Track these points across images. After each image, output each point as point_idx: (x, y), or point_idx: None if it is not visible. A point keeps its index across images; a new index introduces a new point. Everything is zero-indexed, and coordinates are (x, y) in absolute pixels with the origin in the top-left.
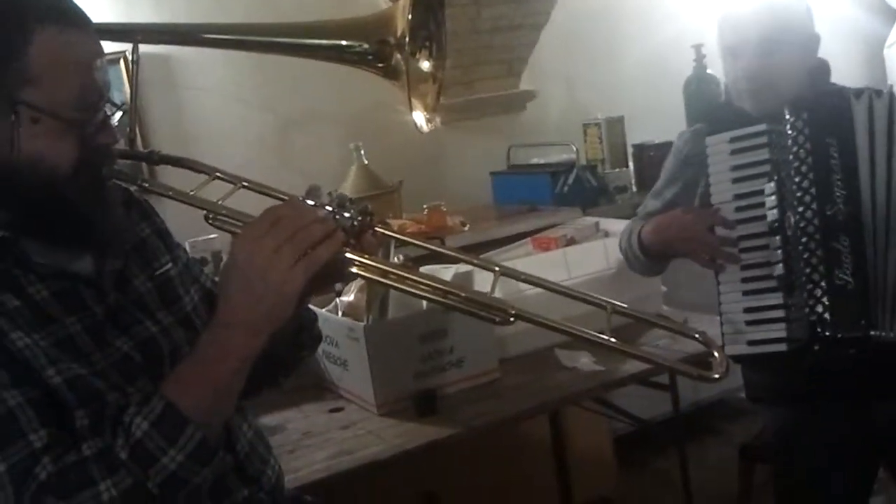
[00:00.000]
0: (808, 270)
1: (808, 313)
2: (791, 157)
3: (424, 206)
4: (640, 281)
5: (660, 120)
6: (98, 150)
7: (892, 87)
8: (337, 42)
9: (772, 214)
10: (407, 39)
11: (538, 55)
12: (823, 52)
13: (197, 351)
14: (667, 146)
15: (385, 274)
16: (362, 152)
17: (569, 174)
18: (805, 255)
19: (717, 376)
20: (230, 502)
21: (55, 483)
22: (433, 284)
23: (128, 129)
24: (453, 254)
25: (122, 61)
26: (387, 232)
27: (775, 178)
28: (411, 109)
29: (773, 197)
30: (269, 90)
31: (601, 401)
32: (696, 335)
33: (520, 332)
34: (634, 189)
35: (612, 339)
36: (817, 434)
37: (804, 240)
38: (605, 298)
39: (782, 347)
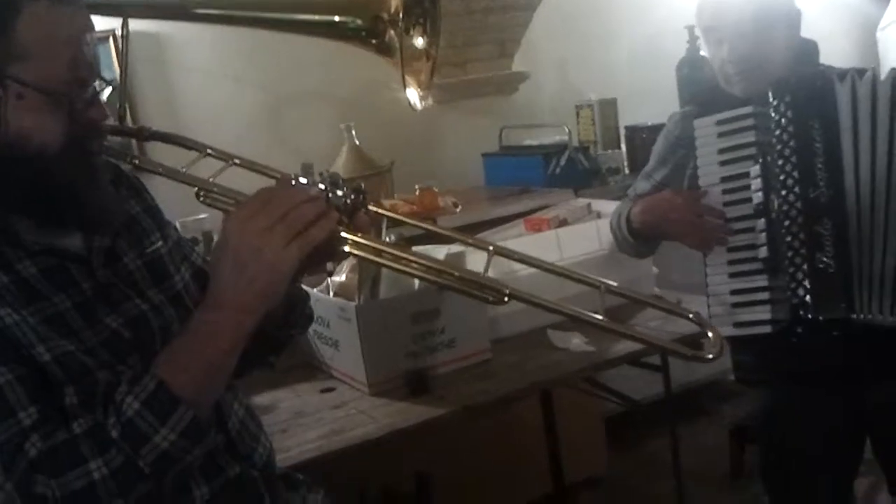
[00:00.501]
0: (790, 253)
1: (790, 296)
2: (775, 140)
3: (416, 187)
4: (632, 262)
5: (652, 102)
6: (87, 125)
7: (874, 68)
8: (329, 17)
9: (757, 197)
10: (401, 15)
11: (531, 36)
12: (816, 34)
13: (189, 330)
14: (659, 128)
15: (379, 253)
16: (353, 132)
17: (561, 156)
18: (788, 239)
19: (710, 356)
20: (221, 480)
21: (45, 460)
22: (427, 264)
23: (118, 106)
24: (447, 233)
25: (111, 39)
26: (380, 210)
27: (760, 161)
28: (405, 87)
29: (759, 180)
30: (259, 69)
31: (593, 381)
32: (690, 315)
33: (512, 313)
34: (627, 171)
35: (605, 320)
36: (803, 415)
37: (787, 223)
38: (598, 278)
39: (767, 329)
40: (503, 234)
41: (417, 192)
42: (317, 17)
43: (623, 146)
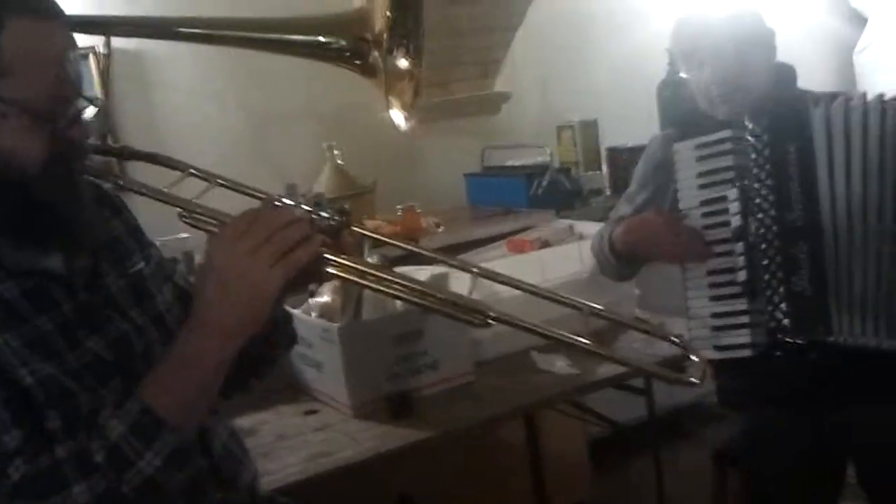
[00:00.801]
0: (767, 276)
1: (768, 319)
2: (752, 163)
3: (398, 207)
4: (615, 284)
5: (634, 123)
6: (70, 144)
7: (845, 93)
8: (314, 38)
9: (735, 220)
10: (385, 36)
11: (513, 57)
12: (794, 57)
13: (173, 353)
14: (641, 149)
15: (363, 275)
16: (336, 152)
17: (543, 177)
18: (765, 262)
19: (695, 381)
20: None
21: (28, 484)
22: (411, 286)
23: (99, 125)
24: (430, 254)
25: (91, 56)
26: (363, 231)
27: (738, 184)
28: (389, 107)
29: (737, 203)
30: (242, 88)
31: (576, 404)
32: (674, 338)
33: (495, 335)
34: (608, 192)
35: (590, 343)
36: (785, 439)
37: (764, 246)
38: (581, 301)
39: (747, 353)
40: (486, 254)
41: (400, 213)
42: (301, 38)
43: (604, 167)
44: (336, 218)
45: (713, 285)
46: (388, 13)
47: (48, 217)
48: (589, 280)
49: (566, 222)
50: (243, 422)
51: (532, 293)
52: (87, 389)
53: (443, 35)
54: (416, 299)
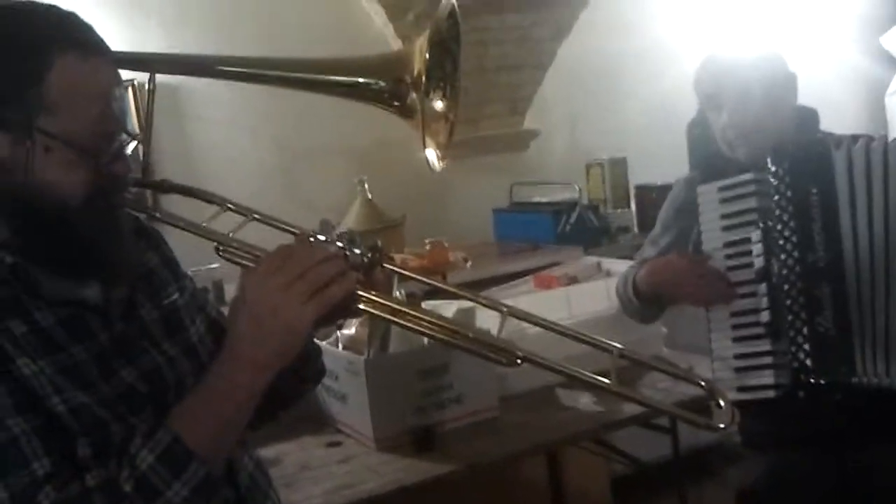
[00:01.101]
0: (790, 317)
1: (791, 360)
2: (774, 205)
3: (426, 242)
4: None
5: (663, 162)
6: (112, 179)
7: (867, 136)
8: (353, 79)
9: (758, 262)
10: (423, 79)
11: (542, 94)
12: (825, 99)
13: (204, 385)
14: (669, 188)
15: (394, 312)
16: (366, 186)
17: (571, 213)
18: (788, 302)
19: (722, 426)
20: None
21: None
22: (441, 324)
23: (141, 158)
24: (460, 292)
25: (129, 90)
26: (395, 268)
27: (761, 226)
28: (424, 147)
29: (760, 245)
30: (275, 122)
31: (600, 441)
32: (702, 382)
33: (520, 371)
34: (636, 230)
35: (615, 384)
36: (809, 480)
37: (786, 287)
38: (611, 343)
39: (771, 394)
40: (512, 290)
41: (428, 247)
42: (341, 79)
43: (633, 205)
44: (369, 255)
45: (736, 326)
46: (426, 56)
47: (87, 249)
48: (616, 317)
49: (594, 259)
50: (267, 452)
51: (562, 333)
52: (119, 419)
53: (473, 73)
54: (446, 338)
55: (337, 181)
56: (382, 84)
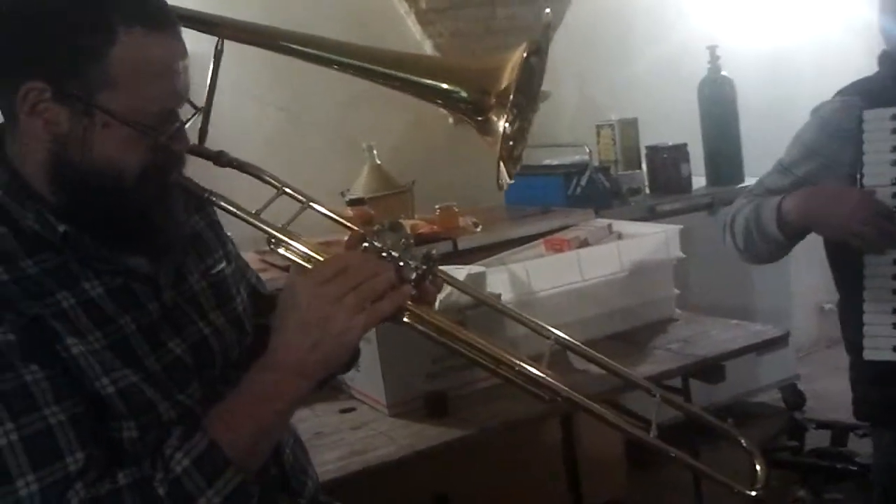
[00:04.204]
0: None
1: None
2: None
3: (436, 207)
4: (654, 284)
5: (673, 122)
6: (170, 155)
7: None
8: (437, 84)
9: None
10: (510, 97)
11: (551, 56)
12: (836, 52)
13: (246, 388)
14: (681, 148)
15: (440, 331)
16: (375, 152)
17: (581, 176)
18: None
19: (754, 493)
20: None
21: None
22: (488, 351)
23: (199, 128)
24: (508, 310)
25: None
26: (446, 279)
27: None
28: (499, 165)
29: None
30: (283, 88)
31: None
32: (743, 442)
33: (531, 334)
34: (647, 191)
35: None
36: None
37: None
38: (651, 385)
39: None
40: (524, 254)
41: (438, 212)
42: (424, 81)
43: (644, 166)
44: (423, 268)
45: None
46: (516, 75)
47: (137, 224)
48: (627, 279)
49: (605, 221)
50: None
51: (610, 370)
52: (167, 398)
53: (482, 35)
54: (489, 365)
55: (345, 147)
56: (464, 94)
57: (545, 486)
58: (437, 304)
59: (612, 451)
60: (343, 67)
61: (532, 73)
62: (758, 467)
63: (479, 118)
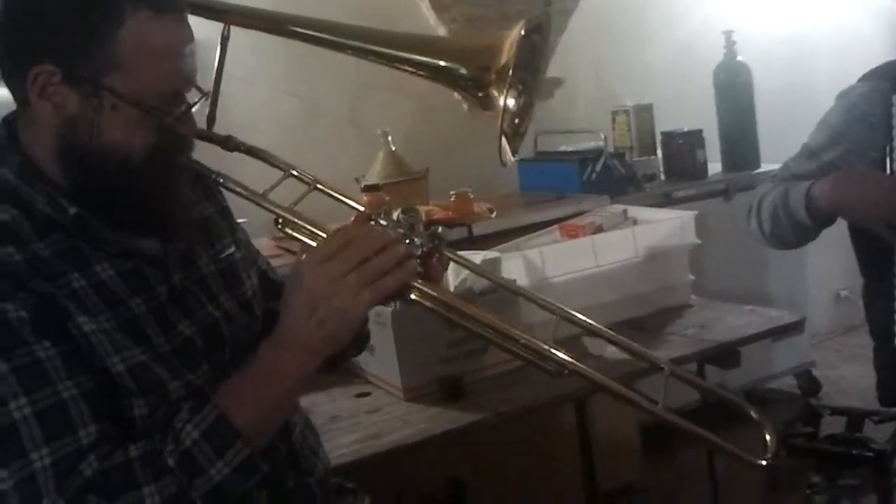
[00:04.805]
0: None
1: None
2: None
3: (451, 193)
4: (669, 271)
5: (689, 108)
6: (177, 138)
7: None
8: (435, 61)
9: None
10: (510, 73)
11: (566, 42)
12: (854, 34)
13: (254, 366)
14: (696, 134)
15: (448, 307)
16: (389, 139)
17: (597, 162)
18: None
19: (763, 462)
20: (278, 491)
21: (99, 482)
22: (496, 326)
23: (207, 112)
24: (520, 289)
25: None
26: (453, 257)
27: None
28: (501, 142)
29: None
30: (296, 74)
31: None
32: (754, 414)
33: (547, 320)
34: (663, 177)
35: (664, 411)
36: None
37: None
38: (661, 359)
39: None
40: (539, 239)
41: (452, 198)
42: (422, 59)
43: (659, 152)
44: (429, 245)
45: None
46: (514, 51)
47: (144, 206)
48: (642, 265)
49: (620, 207)
50: None
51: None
52: (177, 377)
53: (495, 20)
54: (497, 340)
55: (359, 134)
56: (463, 71)
57: (560, 471)
58: (451, 288)
59: (627, 436)
60: (337, 47)
61: (533, 50)
62: (767, 437)
63: (480, 94)
